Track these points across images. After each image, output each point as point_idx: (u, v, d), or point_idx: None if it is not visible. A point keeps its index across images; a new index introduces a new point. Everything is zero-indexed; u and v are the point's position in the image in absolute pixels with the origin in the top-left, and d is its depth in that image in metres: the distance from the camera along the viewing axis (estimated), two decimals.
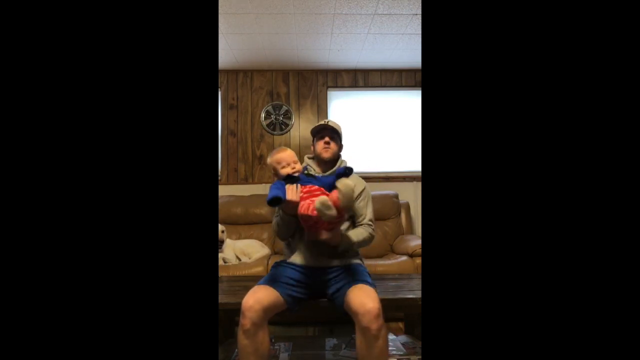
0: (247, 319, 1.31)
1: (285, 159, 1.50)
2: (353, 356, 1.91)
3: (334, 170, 1.59)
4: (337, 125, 1.67)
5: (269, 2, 2.34)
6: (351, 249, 1.56)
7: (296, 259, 1.56)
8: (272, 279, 1.48)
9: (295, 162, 1.50)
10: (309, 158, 1.72)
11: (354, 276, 1.46)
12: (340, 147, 1.68)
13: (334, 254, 1.52)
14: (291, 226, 1.52)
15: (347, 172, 1.44)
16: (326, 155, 1.61)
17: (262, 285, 1.43)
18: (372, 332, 1.25)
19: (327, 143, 1.62)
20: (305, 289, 1.51)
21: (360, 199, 1.61)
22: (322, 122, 1.64)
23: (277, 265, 1.62)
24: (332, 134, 1.63)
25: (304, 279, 1.52)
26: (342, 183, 1.26)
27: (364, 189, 1.63)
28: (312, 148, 1.71)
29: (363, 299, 1.29)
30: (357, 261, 1.61)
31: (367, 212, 1.61)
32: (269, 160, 1.54)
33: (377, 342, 1.26)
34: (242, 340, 1.33)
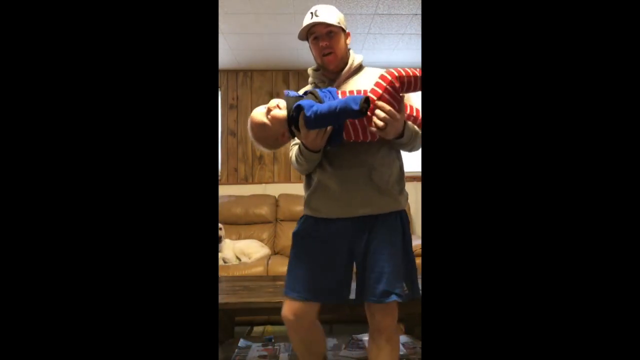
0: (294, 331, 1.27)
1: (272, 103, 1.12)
2: (353, 356, 1.91)
3: (349, 69, 1.23)
4: (331, 12, 1.20)
5: (269, 2, 2.34)
6: (414, 141, 1.22)
7: (326, 210, 1.22)
8: (305, 283, 1.22)
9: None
10: (314, 70, 1.33)
11: (388, 262, 1.17)
12: (346, 38, 1.24)
13: (370, 197, 1.19)
14: (315, 160, 1.18)
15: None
16: (332, 65, 1.23)
17: (296, 304, 1.22)
18: (383, 339, 1.25)
19: (327, 48, 1.20)
20: (338, 260, 1.24)
21: None
22: (309, 20, 1.20)
23: (301, 237, 1.26)
24: (328, 30, 1.19)
25: (335, 246, 1.23)
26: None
27: None
28: (312, 55, 1.28)
29: (382, 317, 1.24)
30: (399, 207, 1.24)
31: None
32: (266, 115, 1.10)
33: (387, 347, 1.25)
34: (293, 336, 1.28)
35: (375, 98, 1.06)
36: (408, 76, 1.05)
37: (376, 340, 1.26)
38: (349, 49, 1.29)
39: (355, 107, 0.97)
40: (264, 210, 3.24)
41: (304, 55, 3.19)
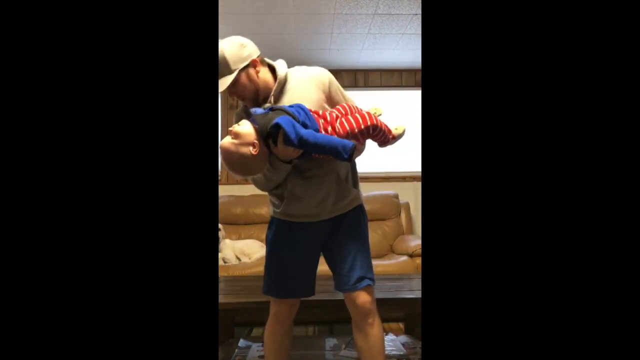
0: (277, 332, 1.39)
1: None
2: (353, 356, 1.91)
3: (277, 87, 1.26)
4: (222, 63, 1.17)
5: (269, 2, 2.34)
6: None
7: (302, 217, 1.30)
8: (278, 283, 1.35)
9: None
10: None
11: (354, 256, 1.29)
12: (253, 67, 1.23)
13: (339, 199, 1.30)
14: (286, 171, 1.22)
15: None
16: (250, 104, 1.27)
17: (277, 304, 1.37)
18: (367, 324, 1.31)
19: (239, 97, 1.25)
20: (308, 262, 1.36)
21: (333, 92, 1.30)
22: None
23: (276, 240, 1.36)
24: (231, 87, 1.20)
25: (309, 245, 1.34)
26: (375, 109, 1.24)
27: (329, 79, 1.29)
28: None
29: (362, 303, 1.29)
30: (358, 203, 1.37)
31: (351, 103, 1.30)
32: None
33: (372, 330, 1.31)
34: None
35: (349, 130, 1.20)
36: (381, 128, 1.24)
37: (361, 327, 1.31)
38: (269, 67, 1.28)
39: (345, 155, 1.09)
40: (264, 210, 3.24)
41: (304, 55, 3.19)
